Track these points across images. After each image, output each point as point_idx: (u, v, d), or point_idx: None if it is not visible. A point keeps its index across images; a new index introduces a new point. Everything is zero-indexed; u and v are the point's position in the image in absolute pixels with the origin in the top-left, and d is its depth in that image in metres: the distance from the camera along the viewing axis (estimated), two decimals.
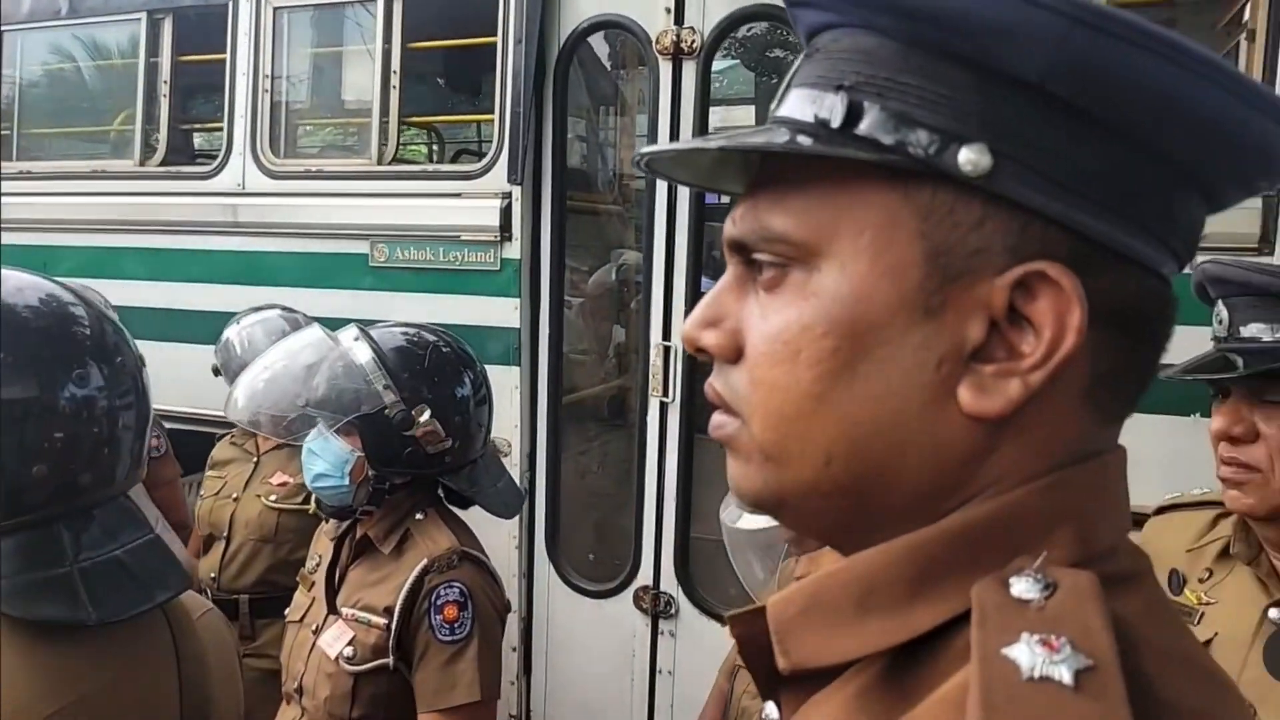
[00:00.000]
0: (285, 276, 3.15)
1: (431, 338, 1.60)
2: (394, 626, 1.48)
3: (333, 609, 1.56)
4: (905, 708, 0.43)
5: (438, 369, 1.55)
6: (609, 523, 3.39)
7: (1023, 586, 0.40)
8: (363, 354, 1.52)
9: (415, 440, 1.51)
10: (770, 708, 0.52)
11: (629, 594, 2.85)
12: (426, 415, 1.50)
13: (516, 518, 2.84)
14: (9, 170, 3.64)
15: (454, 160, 4.76)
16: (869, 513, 0.47)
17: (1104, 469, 0.47)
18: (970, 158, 0.42)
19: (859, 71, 0.45)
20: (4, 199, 3.59)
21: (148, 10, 3.36)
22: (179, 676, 0.96)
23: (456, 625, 1.48)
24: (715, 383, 0.50)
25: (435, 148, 5.03)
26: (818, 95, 0.46)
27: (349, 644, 1.50)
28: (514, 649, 2.94)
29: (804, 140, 0.45)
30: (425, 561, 1.50)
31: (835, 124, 0.44)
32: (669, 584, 2.81)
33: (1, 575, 0.83)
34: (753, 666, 0.51)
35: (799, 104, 0.47)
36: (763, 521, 1.35)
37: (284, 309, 2.73)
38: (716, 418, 0.50)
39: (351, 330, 1.57)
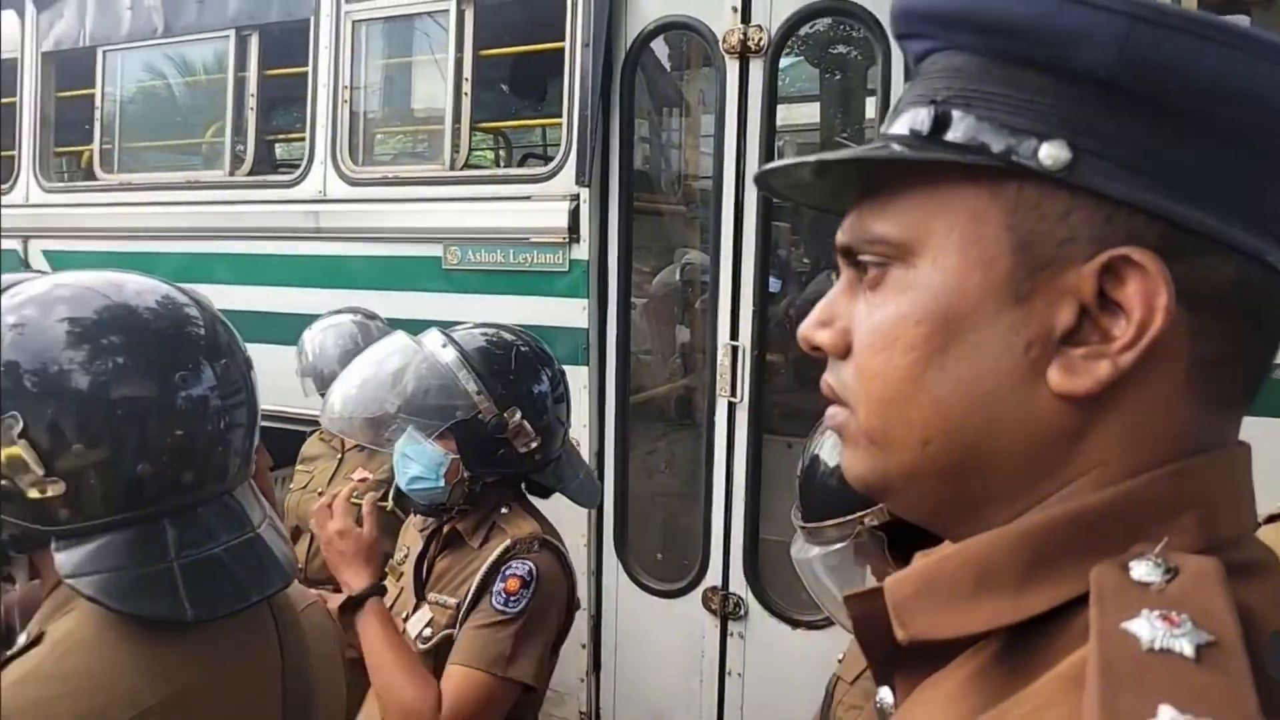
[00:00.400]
0: (363, 279, 3.25)
1: (510, 337, 1.64)
2: (467, 602, 1.52)
3: (420, 597, 1.62)
4: (1020, 685, 0.44)
5: (522, 370, 1.59)
6: (676, 522, 3.41)
7: (1143, 570, 0.41)
8: (453, 361, 1.56)
9: (507, 441, 1.55)
10: (885, 692, 0.55)
11: (697, 594, 2.86)
12: (518, 417, 1.55)
13: (586, 516, 2.88)
14: (111, 182, 3.85)
15: (520, 164, 4.84)
16: (969, 494, 0.50)
17: (1229, 461, 0.48)
18: (1050, 153, 0.45)
19: (949, 86, 0.49)
20: (107, 209, 3.80)
21: (236, 28, 3.51)
22: (282, 667, 0.99)
23: (513, 599, 1.50)
24: (828, 378, 0.55)
25: (502, 152, 5.12)
26: (914, 112, 0.50)
27: (427, 625, 1.55)
28: (583, 646, 2.98)
29: (896, 149, 0.49)
30: (509, 543, 1.54)
31: (924, 133, 0.48)
32: (738, 585, 2.81)
33: (106, 569, 0.86)
34: (868, 649, 0.54)
35: (899, 122, 0.51)
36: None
37: (361, 313, 2.82)
38: (830, 410, 0.55)
39: (437, 336, 1.61)
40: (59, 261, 3.87)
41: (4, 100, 4.08)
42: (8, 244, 4.03)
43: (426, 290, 3.16)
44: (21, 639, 0.89)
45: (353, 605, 1.53)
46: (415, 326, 2.82)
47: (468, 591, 1.53)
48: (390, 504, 2.48)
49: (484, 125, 3.97)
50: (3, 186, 4.11)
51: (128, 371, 0.89)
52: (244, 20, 3.51)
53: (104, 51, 3.84)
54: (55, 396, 0.86)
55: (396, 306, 3.03)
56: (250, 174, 3.59)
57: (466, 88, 3.15)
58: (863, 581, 1.31)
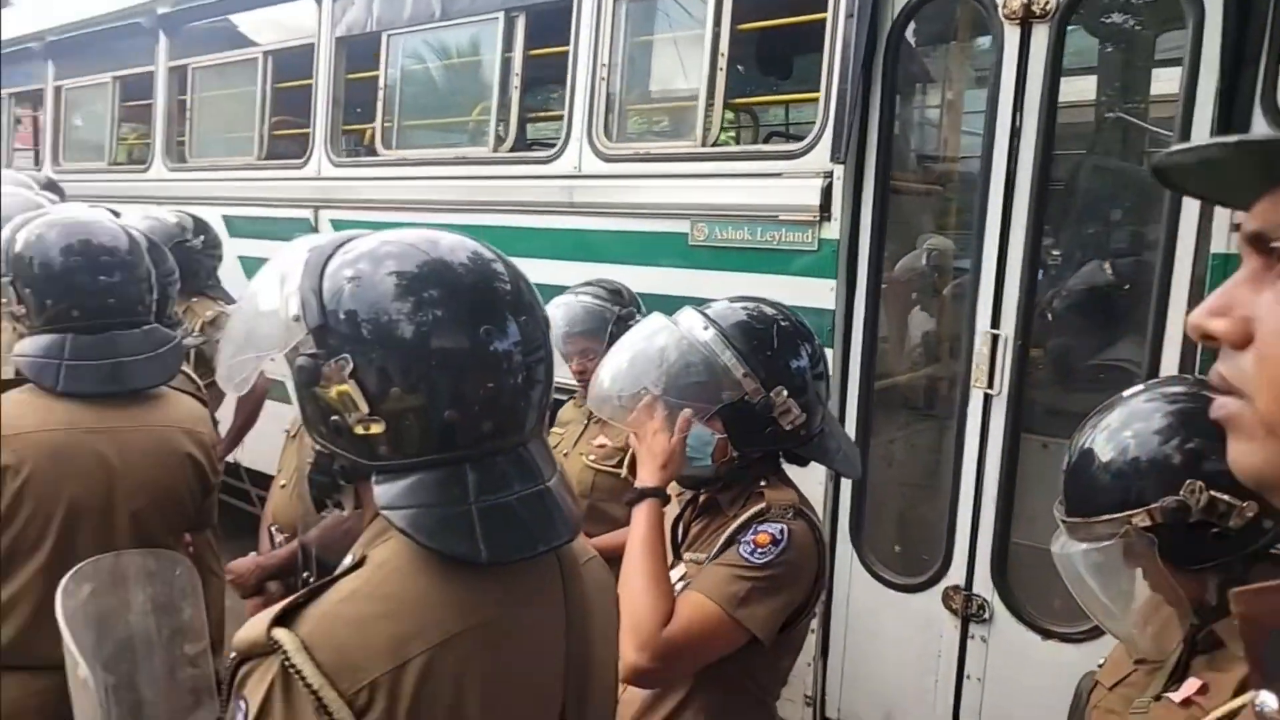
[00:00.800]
0: (611, 254, 3.34)
1: (771, 312, 1.62)
2: (715, 550, 1.53)
3: (677, 555, 1.65)
4: None
5: (785, 347, 1.57)
6: (917, 515, 3.27)
7: None
8: (716, 342, 1.56)
9: (773, 420, 1.55)
10: (1268, 697, 0.53)
11: (937, 591, 2.73)
12: (784, 395, 1.53)
13: (820, 499, 2.82)
14: (390, 157, 4.19)
15: (765, 141, 4.79)
16: None
17: None
18: None
19: None
20: (386, 183, 4.14)
21: (505, 9, 3.70)
22: (566, 617, 1.04)
23: (759, 551, 1.48)
24: (1220, 368, 0.54)
25: (747, 130, 5.09)
26: None
27: (681, 579, 1.57)
28: (812, 630, 2.93)
29: None
30: (764, 505, 1.54)
31: None
32: (983, 587, 2.66)
33: (415, 505, 0.93)
34: (1254, 650, 0.54)
35: None
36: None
37: (601, 287, 2.85)
38: (1219, 400, 0.55)
39: (695, 317, 1.61)
40: (344, 229, 4.27)
41: (301, 83, 4.56)
42: (300, 213, 4.49)
43: (672, 266, 3.20)
44: (348, 560, 0.97)
45: (634, 498, 1.58)
46: (660, 301, 2.90)
47: (718, 544, 1.54)
48: (625, 471, 2.55)
49: (737, 102, 3.96)
50: (299, 161, 4.60)
51: (444, 324, 0.94)
52: (512, 2, 3.69)
53: (388, 35, 4.17)
54: (383, 343, 0.93)
55: (643, 281, 3.09)
56: (511, 150, 3.78)
57: (722, 64, 3.15)
58: (1130, 584, 1.22)
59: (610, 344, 2.38)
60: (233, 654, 0.90)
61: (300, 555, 2.21)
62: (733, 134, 5.05)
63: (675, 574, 1.59)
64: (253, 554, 2.45)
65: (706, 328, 1.58)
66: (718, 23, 3.13)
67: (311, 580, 2.00)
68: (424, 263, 0.97)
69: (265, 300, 1.00)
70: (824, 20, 2.84)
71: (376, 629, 0.89)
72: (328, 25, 4.34)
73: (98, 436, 1.86)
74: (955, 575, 2.70)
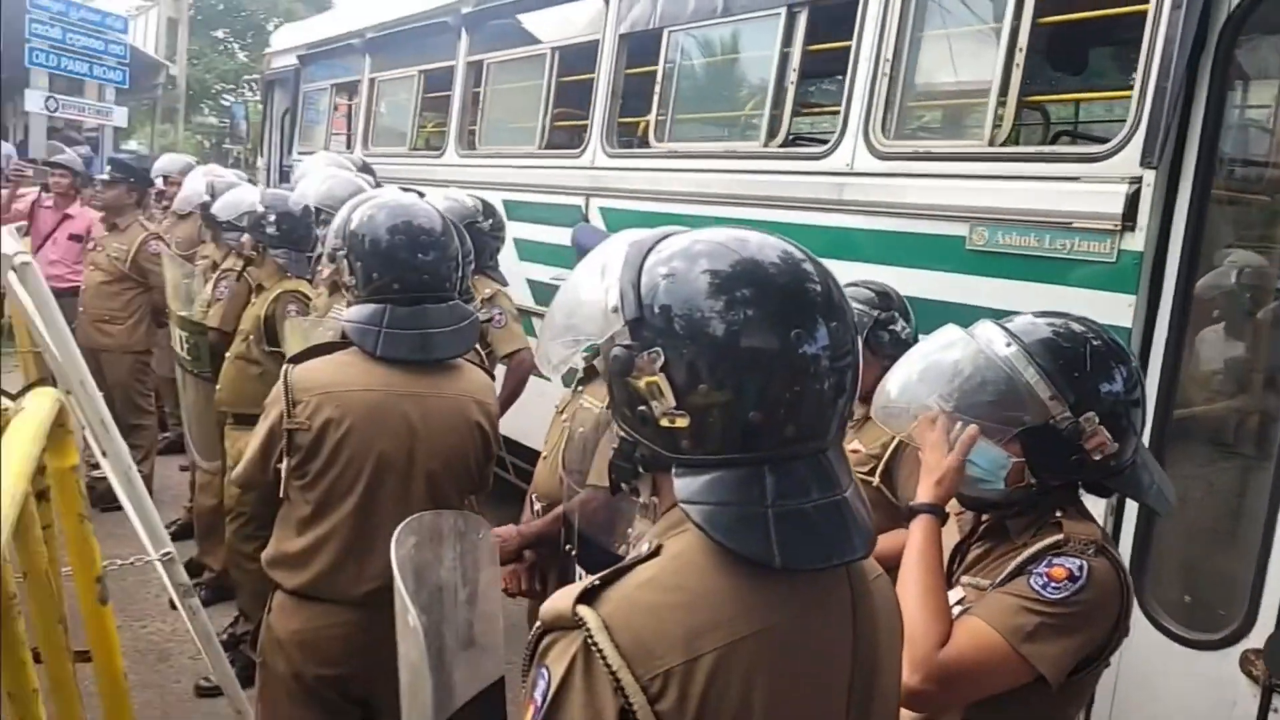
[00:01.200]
0: (880, 254, 3.24)
1: (1080, 329, 1.50)
2: (1002, 578, 1.44)
3: (953, 578, 1.57)
4: None
5: (1097, 368, 1.45)
6: (1215, 563, 2.92)
7: None
8: (1020, 360, 1.46)
9: (1080, 448, 1.43)
10: None
11: (1234, 653, 2.42)
12: (1095, 421, 1.42)
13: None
14: (660, 149, 4.31)
15: (1053, 142, 4.45)
16: None
17: None
18: None
19: None
20: (655, 173, 4.26)
21: (788, 4, 3.68)
22: (854, 632, 1.01)
23: (1053, 585, 1.37)
24: None
25: (1034, 128, 4.75)
26: None
27: (958, 602, 1.50)
28: None
29: None
30: (1061, 537, 1.43)
31: None
32: None
33: (713, 502, 0.94)
34: None
35: None
36: None
37: (868, 288, 2.74)
38: None
39: (996, 330, 1.52)
40: (612, 218, 4.45)
41: (583, 77, 4.78)
42: (572, 200, 4.73)
43: (945, 270, 3.05)
44: (644, 547, 1.01)
45: (909, 513, 1.53)
46: (929, 307, 2.77)
47: (1004, 572, 1.44)
48: (876, 480, 2.47)
49: (1033, 99, 3.71)
50: (575, 151, 4.84)
51: (755, 323, 0.94)
52: None
53: (669, 31, 4.28)
54: (694, 339, 0.95)
55: (911, 285, 2.96)
56: (783, 145, 3.76)
57: (1019, 59, 2.95)
58: None
59: (868, 347, 2.31)
60: (538, 623, 0.96)
61: (563, 527, 2.34)
62: (1024, 132, 4.74)
63: (952, 596, 1.52)
64: (510, 525, 2.62)
65: (1009, 344, 1.48)
66: (1018, 15, 2.93)
67: (573, 551, 2.12)
68: (736, 262, 0.98)
69: (586, 290, 1.06)
70: (1144, 12, 2.58)
71: (673, 619, 0.91)
72: (613, 22, 4.52)
73: (405, 399, 2.06)
74: (1258, 637, 2.39)
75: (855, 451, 2.59)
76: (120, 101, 15.44)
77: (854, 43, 3.40)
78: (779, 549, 0.93)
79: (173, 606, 3.48)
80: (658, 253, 1.01)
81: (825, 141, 3.65)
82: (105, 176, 5.55)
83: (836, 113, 3.57)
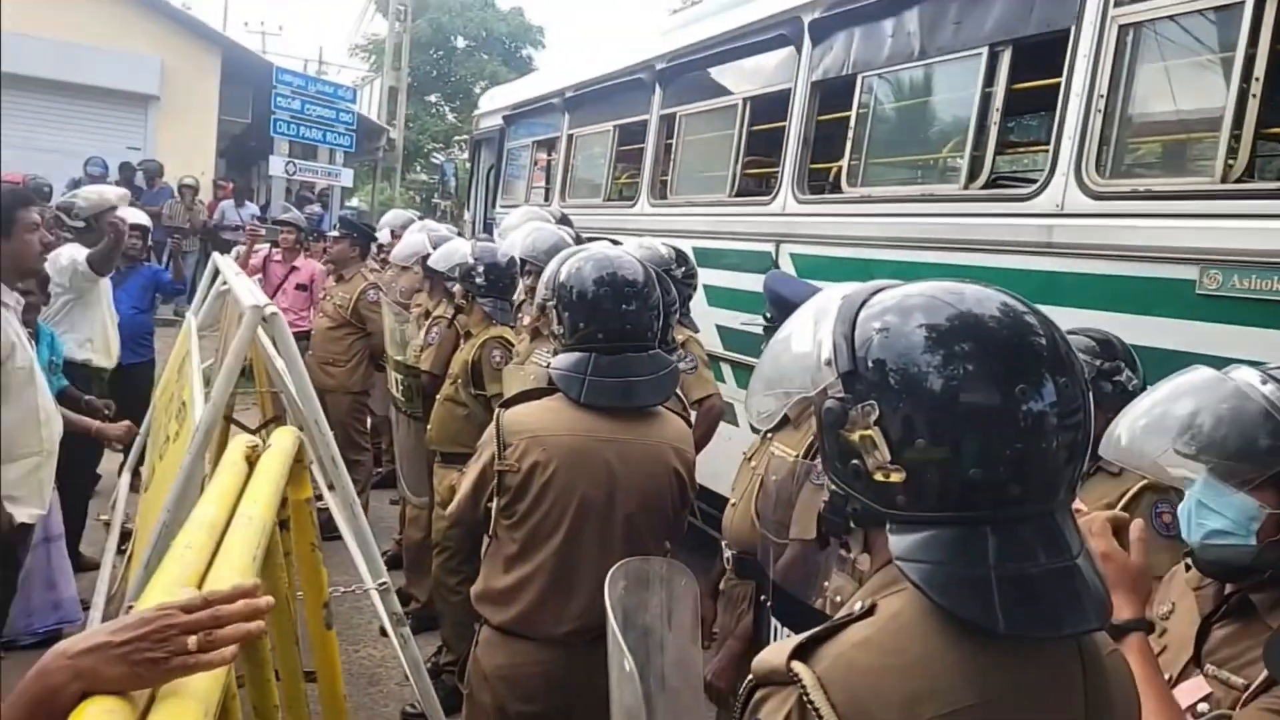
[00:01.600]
0: (1094, 300, 3.04)
1: None
2: (1258, 683, 1.29)
3: (1196, 662, 1.43)
4: None
5: None
6: None
7: None
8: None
9: None
10: None
11: None
12: None
13: None
14: (853, 194, 4.26)
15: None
16: None
17: None
18: None
19: None
20: (847, 219, 4.21)
21: (990, 44, 3.57)
22: (1085, 709, 0.95)
23: None
24: None
25: (1267, 160, 4.33)
26: None
27: (1203, 699, 1.36)
28: None
29: None
30: None
31: None
32: None
33: (930, 561, 0.91)
34: None
35: None
36: None
37: (1088, 336, 2.57)
38: None
39: (1253, 373, 1.40)
40: (803, 265, 4.43)
41: (774, 125, 4.81)
42: (762, 246, 4.75)
43: (1170, 317, 2.82)
44: (856, 606, 0.99)
45: (1114, 632, 1.40)
46: (1153, 355, 2.57)
47: (1259, 674, 1.29)
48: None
49: (1270, 130, 3.40)
50: (765, 198, 4.87)
51: (975, 379, 0.92)
52: (999, 35, 3.54)
53: (862, 76, 4.24)
54: (910, 393, 0.93)
55: (1129, 332, 2.75)
56: (984, 187, 3.63)
57: (1255, 89, 2.72)
58: None
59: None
60: (750, 676, 0.96)
61: (755, 583, 2.34)
62: (1258, 166, 4.34)
63: (1192, 693, 1.37)
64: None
65: (1266, 382, 1.36)
66: (1253, 43, 2.71)
67: (769, 604, 2.09)
68: (953, 315, 0.96)
69: (799, 342, 1.06)
70: None
71: (890, 682, 0.89)
72: (805, 71, 4.54)
73: (606, 445, 2.12)
74: None
75: (1078, 511, 2.42)
76: (346, 164, 16.95)
77: (1064, 79, 3.24)
78: (1002, 614, 0.88)
79: (383, 633, 3.73)
80: (871, 306, 1.01)
81: (1031, 181, 3.48)
82: (335, 232, 6.10)
83: (1039, 151, 3.41)
